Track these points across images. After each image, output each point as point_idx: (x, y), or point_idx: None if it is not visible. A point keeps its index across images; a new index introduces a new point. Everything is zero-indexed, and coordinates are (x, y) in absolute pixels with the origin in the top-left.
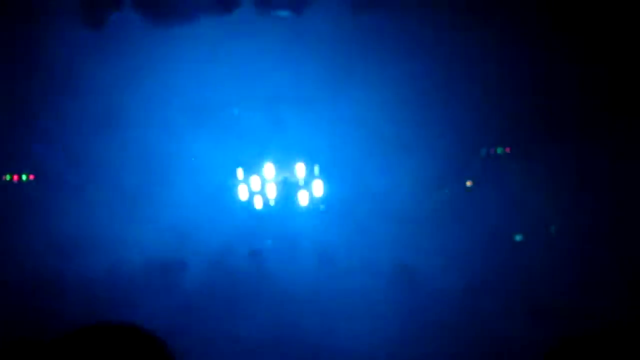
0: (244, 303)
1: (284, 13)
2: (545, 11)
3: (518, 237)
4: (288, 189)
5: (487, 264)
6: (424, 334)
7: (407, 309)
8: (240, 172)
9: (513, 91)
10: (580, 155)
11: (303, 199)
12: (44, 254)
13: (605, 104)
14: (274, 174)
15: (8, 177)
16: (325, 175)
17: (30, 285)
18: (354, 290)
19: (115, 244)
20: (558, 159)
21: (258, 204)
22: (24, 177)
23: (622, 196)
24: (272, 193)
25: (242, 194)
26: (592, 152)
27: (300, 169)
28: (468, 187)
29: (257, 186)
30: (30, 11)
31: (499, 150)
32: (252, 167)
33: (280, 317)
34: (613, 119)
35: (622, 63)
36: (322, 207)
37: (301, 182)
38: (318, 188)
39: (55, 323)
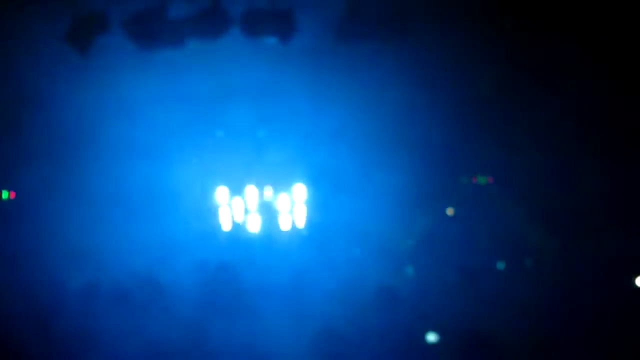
0: (224, 320)
1: (270, 40)
2: (530, 46)
3: (500, 265)
4: (270, 210)
5: (467, 291)
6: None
7: (387, 332)
8: (223, 193)
9: (496, 118)
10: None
11: (285, 220)
12: (25, 270)
13: (588, 134)
14: (257, 198)
15: None
16: (308, 201)
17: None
18: (334, 312)
19: (95, 261)
20: (540, 188)
21: (241, 224)
22: (4, 194)
23: (601, 225)
24: (254, 214)
25: (225, 214)
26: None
27: (282, 195)
28: (449, 215)
29: (240, 210)
30: (15, 32)
31: (482, 179)
32: (235, 189)
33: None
34: (595, 150)
35: (606, 99)
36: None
37: (283, 204)
38: (300, 214)
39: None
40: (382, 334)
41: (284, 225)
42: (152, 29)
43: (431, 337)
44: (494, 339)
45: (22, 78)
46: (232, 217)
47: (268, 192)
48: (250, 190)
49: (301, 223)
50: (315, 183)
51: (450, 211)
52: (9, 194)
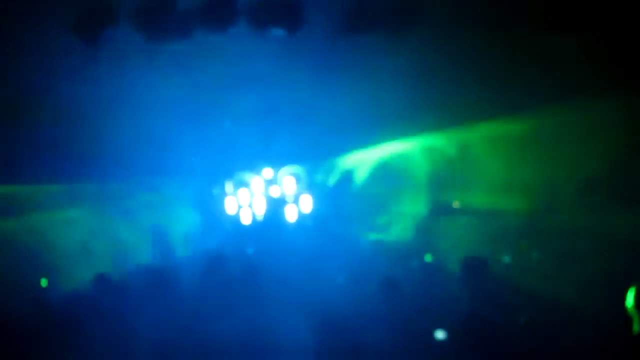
0: (232, 309)
1: (277, 32)
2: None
3: (506, 259)
4: (276, 203)
5: (471, 282)
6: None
7: (389, 323)
8: (229, 185)
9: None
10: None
11: (291, 213)
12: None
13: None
14: (263, 187)
15: None
16: (314, 190)
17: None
18: (339, 303)
19: (103, 252)
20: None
21: (246, 217)
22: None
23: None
24: (260, 206)
25: (231, 206)
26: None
27: (289, 183)
28: (455, 207)
29: (246, 199)
30: (24, 23)
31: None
32: (241, 180)
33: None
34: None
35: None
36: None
37: (289, 197)
38: (306, 203)
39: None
40: (386, 325)
41: (290, 215)
42: (160, 21)
43: (438, 334)
44: (497, 334)
45: (30, 70)
46: (239, 206)
47: (274, 182)
48: (257, 180)
49: (307, 213)
50: (322, 174)
51: (456, 204)
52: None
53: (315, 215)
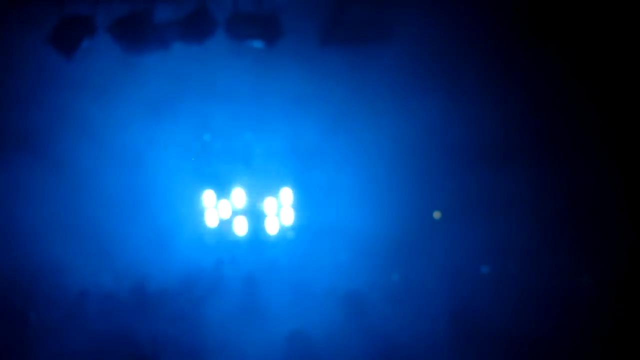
0: (214, 326)
1: (255, 44)
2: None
3: (484, 269)
4: (257, 216)
5: (450, 295)
6: None
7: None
8: (210, 196)
9: (483, 123)
10: (553, 186)
11: (272, 226)
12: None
13: (578, 137)
14: (244, 201)
15: None
16: (294, 204)
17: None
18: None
19: (80, 267)
20: (529, 191)
21: (227, 229)
22: None
23: (591, 230)
24: (241, 220)
25: (212, 219)
26: (563, 184)
27: (268, 198)
28: (436, 218)
29: (227, 213)
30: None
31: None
32: (222, 193)
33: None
34: (586, 152)
35: (595, 93)
36: (290, 234)
37: (270, 210)
38: (287, 217)
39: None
40: (361, 337)
41: (271, 228)
42: (138, 33)
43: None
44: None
45: (7, 81)
46: (219, 220)
47: (254, 195)
48: (237, 193)
49: (287, 226)
50: (302, 186)
51: (437, 214)
52: None
53: (295, 228)
